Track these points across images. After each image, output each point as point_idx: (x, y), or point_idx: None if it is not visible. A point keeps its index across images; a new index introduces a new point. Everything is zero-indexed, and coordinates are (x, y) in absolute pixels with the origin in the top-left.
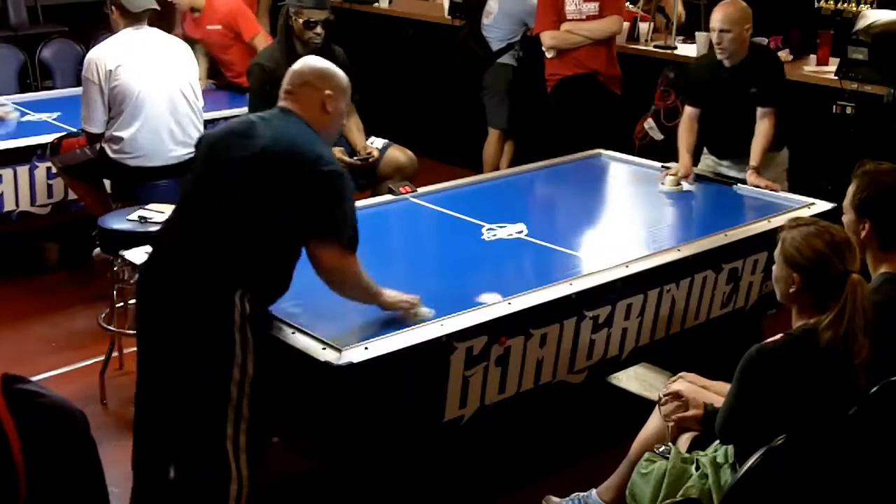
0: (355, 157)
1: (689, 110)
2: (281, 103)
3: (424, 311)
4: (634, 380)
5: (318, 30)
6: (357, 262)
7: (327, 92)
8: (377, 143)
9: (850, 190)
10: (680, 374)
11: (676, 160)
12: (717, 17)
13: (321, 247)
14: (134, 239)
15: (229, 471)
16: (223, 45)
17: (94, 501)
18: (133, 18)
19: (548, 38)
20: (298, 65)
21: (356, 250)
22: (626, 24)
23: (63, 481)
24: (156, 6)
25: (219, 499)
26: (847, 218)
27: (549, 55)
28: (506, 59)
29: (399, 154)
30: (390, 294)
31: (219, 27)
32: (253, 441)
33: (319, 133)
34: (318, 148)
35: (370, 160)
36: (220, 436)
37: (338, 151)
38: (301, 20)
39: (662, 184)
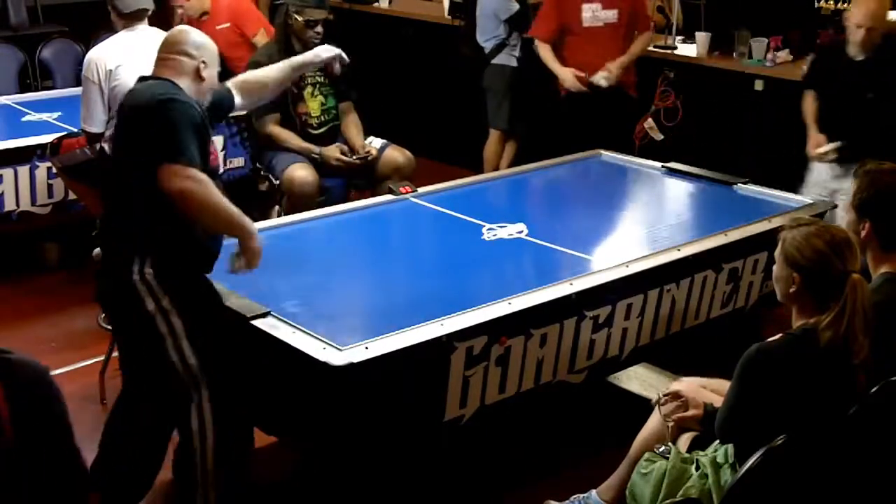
0: (354, 156)
1: (808, 92)
2: (156, 70)
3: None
4: (634, 380)
5: (319, 29)
6: (206, 180)
7: (203, 60)
8: (375, 142)
9: (852, 189)
10: (680, 378)
11: (677, 160)
12: (860, 13)
13: (166, 169)
14: None
15: (190, 428)
16: (232, 44)
17: (66, 442)
18: (127, 18)
19: (544, 51)
20: (173, 34)
21: (203, 169)
22: None
23: (39, 424)
24: (149, 6)
25: (182, 452)
26: (848, 218)
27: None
28: (504, 59)
29: (397, 154)
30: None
31: (227, 25)
32: (218, 399)
33: (192, 95)
34: (160, 89)
35: (368, 158)
36: (184, 398)
37: (336, 150)
38: (302, 19)
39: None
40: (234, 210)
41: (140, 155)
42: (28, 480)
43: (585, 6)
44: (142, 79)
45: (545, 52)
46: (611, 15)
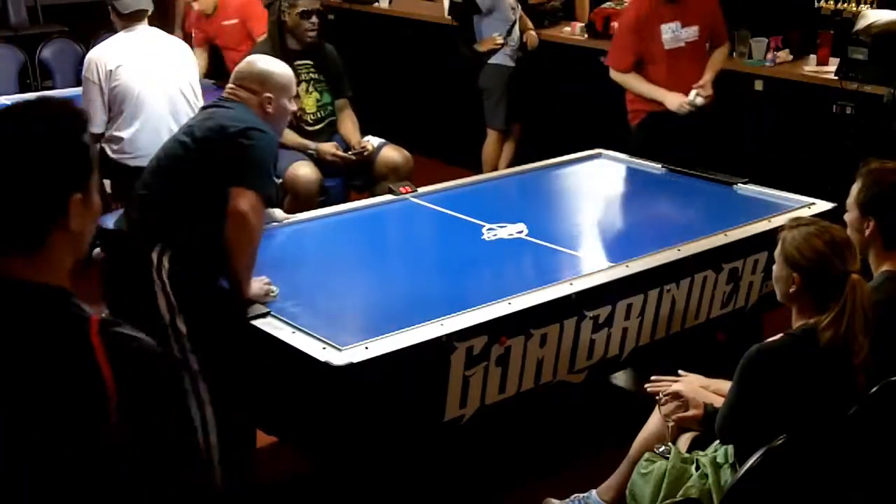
0: (350, 152)
1: None
2: (226, 94)
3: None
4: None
5: (314, 20)
6: (262, 218)
7: (266, 95)
8: (373, 141)
9: (855, 188)
10: (680, 372)
11: (676, 163)
12: None
13: (240, 191)
14: None
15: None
16: (238, 40)
17: (183, 438)
18: (126, 19)
19: (634, 80)
20: (241, 63)
21: (267, 206)
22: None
23: (150, 411)
24: (148, 7)
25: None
26: (851, 216)
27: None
28: (500, 59)
29: (394, 153)
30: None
31: (235, 21)
32: (215, 392)
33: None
34: (245, 116)
35: (364, 154)
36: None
37: (332, 147)
38: (296, 12)
39: None
40: (253, 262)
41: (215, 170)
42: (132, 464)
43: (664, 27)
44: (215, 104)
45: (635, 80)
46: (692, 32)
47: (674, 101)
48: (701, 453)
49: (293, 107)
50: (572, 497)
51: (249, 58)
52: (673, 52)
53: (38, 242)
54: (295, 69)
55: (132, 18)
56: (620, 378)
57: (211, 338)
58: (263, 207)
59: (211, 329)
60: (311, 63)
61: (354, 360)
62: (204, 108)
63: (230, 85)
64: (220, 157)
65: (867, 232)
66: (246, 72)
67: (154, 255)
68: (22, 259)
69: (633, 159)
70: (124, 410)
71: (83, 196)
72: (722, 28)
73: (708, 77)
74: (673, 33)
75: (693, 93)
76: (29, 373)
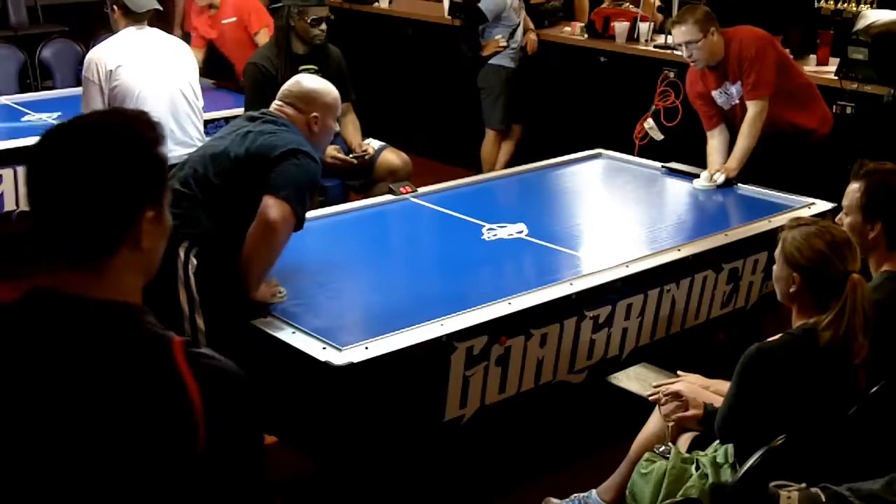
0: (351, 155)
1: None
2: (274, 109)
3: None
4: (634, 380)
5: (323, 26)
6: (289, 234)
7: (313, 114)
8: (374, 143)
9: (855, 192)
10: (679, 373)
11: (676, 160)
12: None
13: (276, 202)
14: None
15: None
16: (238, 40)
17: (257, 454)
18: (135, 18)
19: (708, 144)
20: (288, 82)
21: (296, 226)
22: (625, 25)
23: (232, 434)
24: (158, 6)
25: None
26: (852, 220)
27: None
28: (501, 60)
29: (393, 157)
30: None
31: (233, 20)
32: None
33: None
34: (296, 137)
35: (366, 157)
36: None
37: (333, 150)
38: (307, 19)
39: None
40: (267, 271)
41: (259, 185)
42: (212, 490)
43: (714, 94)
44: (267, 118)
45: (708, 144)
46: (738, 89)
47: (704, 174)
48: (701, 453)
49: (337, 126)
50: (572, 497)
51: (296, 77)
52: (731, 110)
53: (106, 256)
54: (299, 73)
55: (142, 18)
56: (620, 378)
57: (228, 336)
58: (293, 224)
59: (229, 327)
60: (316, 68)
61: (354, 360)
62: (251, 118)
63: (277, 102)
64: (265, 173)
65: (872, 235)
66: (295, 91)
67: (181, 251)
68: (88, 274)
69: (634, 159)
70: (211, 435)
71: (155, 213)
72: (749, 82)
73: (732, 165)
74: (725, 96)
75: (710, 174)
76: (108, 396)
